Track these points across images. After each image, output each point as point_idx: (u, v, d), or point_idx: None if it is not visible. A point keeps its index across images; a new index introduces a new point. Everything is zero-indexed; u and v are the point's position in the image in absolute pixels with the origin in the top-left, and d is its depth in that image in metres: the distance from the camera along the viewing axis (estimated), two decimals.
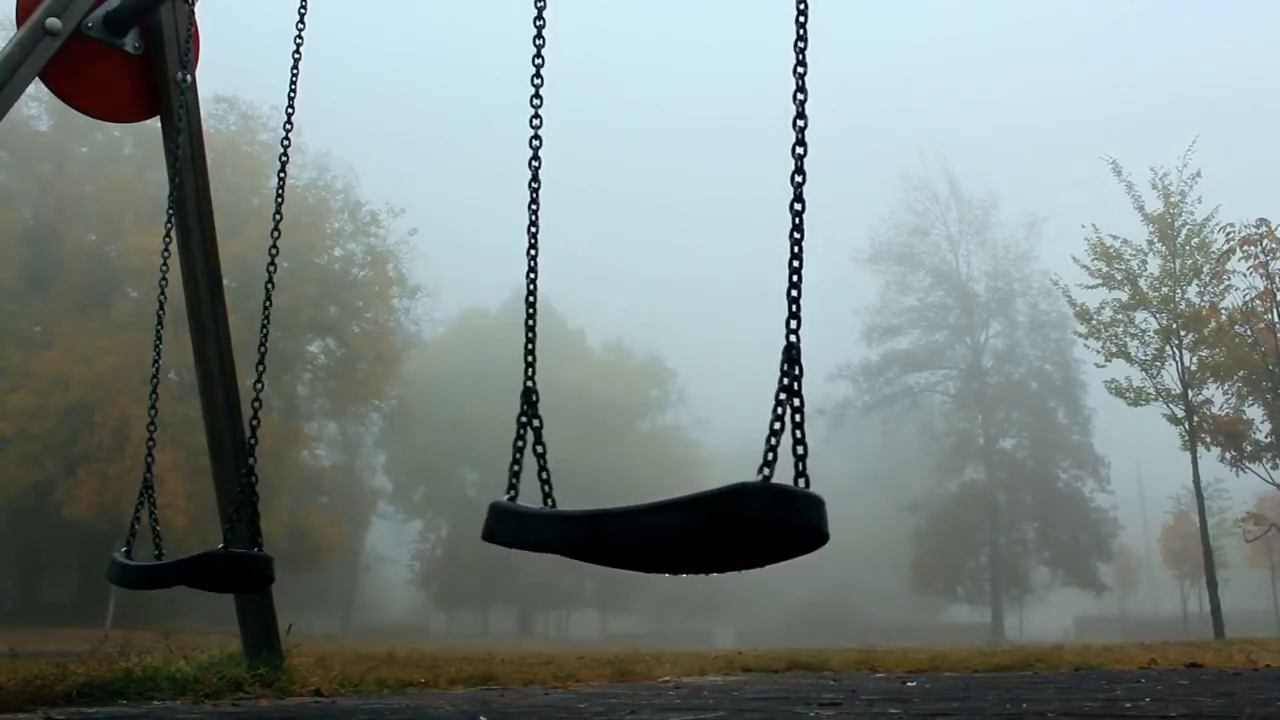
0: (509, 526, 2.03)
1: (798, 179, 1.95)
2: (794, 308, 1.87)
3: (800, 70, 2.02)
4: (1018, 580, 47.49)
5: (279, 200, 3.75)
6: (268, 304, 3.65)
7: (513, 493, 2.12)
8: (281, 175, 3.84)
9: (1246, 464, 22.48)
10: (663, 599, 55.87)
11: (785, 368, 1.82)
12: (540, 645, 27.66)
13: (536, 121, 2.47)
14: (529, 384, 2.24)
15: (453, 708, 3.55)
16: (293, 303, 32.49)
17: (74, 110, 4.44)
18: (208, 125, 4.99)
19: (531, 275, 2.43)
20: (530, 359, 2.30)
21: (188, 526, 26.50)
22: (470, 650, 12.02)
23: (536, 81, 2.49)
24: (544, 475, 2.19)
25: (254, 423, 3.53)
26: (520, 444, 2.18)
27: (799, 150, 1.97)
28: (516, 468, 2.16)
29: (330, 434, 45.72)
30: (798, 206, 1.94)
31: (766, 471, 1.73)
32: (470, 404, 54.40)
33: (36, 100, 28.67)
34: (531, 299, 2.41)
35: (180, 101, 4.34)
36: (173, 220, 4.17)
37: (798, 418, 1.80)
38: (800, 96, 2.00)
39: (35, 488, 30.38)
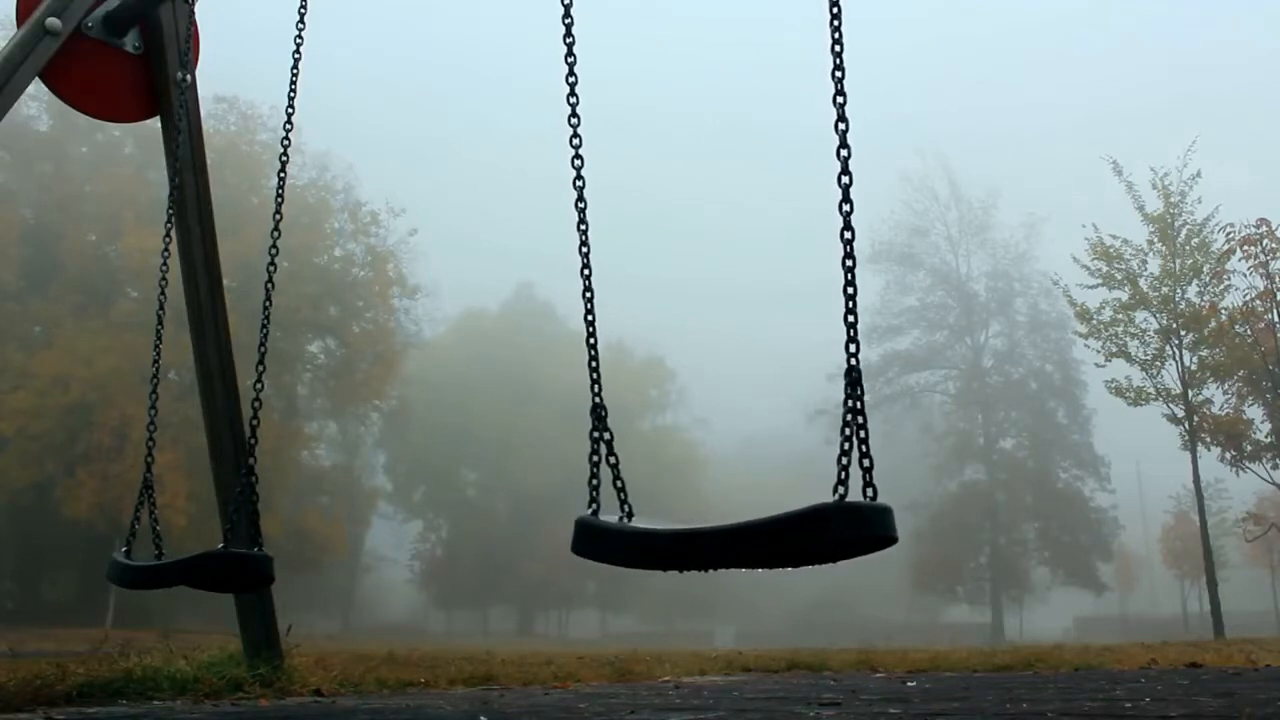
0: (597, 543, 2.14)
1: (845, 207, 2.00)
2: (852, 333, 1.94)
3: (839, 75, 2.05)
4: (1018, 580, 47.43)
5: (279, 200, 3.75)
6: (268, 304, 3.64)
7: (595, 506, 2.20)
8: (281, 175, 3.84)
9: (1246, 464, 22.48)
10: (663, 599, 55.80)
11: (849, 390, 1.90)
12: (540, 645, 27.65)
13: (576, 141, 2.50)
14: (597, 400, 2.30)
15: (453, 708, 3.55)
16: (293, 303, 32.46)
17: (74, 110, 4.44)
18: (208, 125, 4.99)
19: (588, 295, 2.44)
20: (595, 375, 2.36)
21: (188, 526, 26.51)
22: (470, 650, 12.01)
23: (572, 100, 2.52)
24: (619, 484, 2.25)
25: (254, 423, 3.53)
26: (595, 459, 2.25)
27: (843, 152, 2.03)
28: (595, 482, 2.23)
29: (330, 434, 45.69)
30: (847, 235, 2.00)
31: (842, 490, 1.83)
32: (470, 404, 54.39)
33: (36, 100, 28.64)
34: (590, 318, 2.43)
35: (180, 101, 4.34)
36: (173, 220, 4.17)
37: (863, 434, 1.88)
38: (840, 99, 2.05)
39: (35, 488, 30.35)
